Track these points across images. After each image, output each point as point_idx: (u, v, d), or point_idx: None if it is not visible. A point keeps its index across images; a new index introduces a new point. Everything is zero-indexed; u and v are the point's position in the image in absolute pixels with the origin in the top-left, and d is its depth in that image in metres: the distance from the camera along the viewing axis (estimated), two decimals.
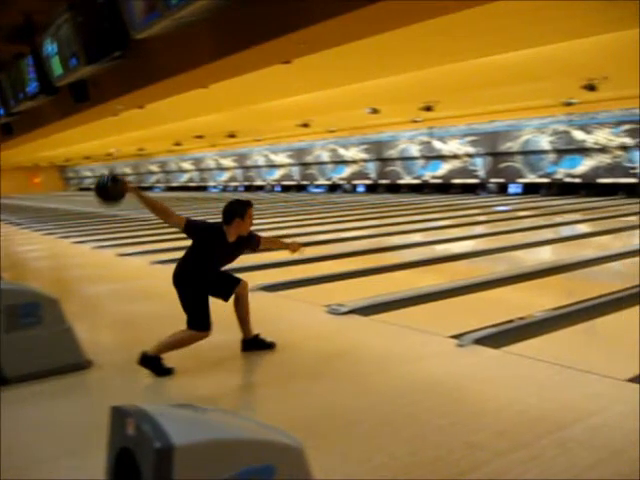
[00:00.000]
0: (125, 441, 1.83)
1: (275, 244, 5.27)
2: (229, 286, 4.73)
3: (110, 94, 12.43)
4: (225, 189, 38.56)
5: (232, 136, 25.69)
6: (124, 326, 6.01)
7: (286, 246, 5.10)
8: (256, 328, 4.87)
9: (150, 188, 44.50)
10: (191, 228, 4.54)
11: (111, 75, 11.58)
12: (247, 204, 4.59)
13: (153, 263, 9.06)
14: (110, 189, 4.41)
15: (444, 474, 2.81)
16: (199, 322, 4.45)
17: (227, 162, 37.90)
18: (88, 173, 51.31)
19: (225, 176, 38.65)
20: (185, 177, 42.16)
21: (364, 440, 3.24)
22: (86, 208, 24.48)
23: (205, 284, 4.52)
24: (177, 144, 30.49)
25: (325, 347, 4.88)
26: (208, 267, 4.57)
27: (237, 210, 4.54)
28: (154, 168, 44.25)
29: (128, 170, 46.50)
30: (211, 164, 39.22)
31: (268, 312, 5.35)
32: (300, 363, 4.69)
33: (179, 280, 4.51)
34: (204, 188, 40.05)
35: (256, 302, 5.11)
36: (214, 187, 39.47)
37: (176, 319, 4.53)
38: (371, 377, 4.19)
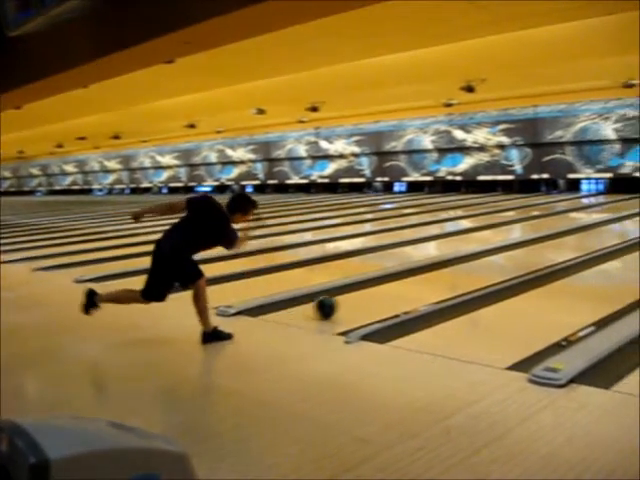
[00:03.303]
0: None
1: None
2: (193, 275, 4.83)
3: None
4: (111, 192, 37.55)
5: (116, 137, 25.11)
6: (6, 337, 5.72)
7: None
8: (139, 331, 4.74)
9: (31, 192, 42.72)
10: (193, 202, 4.80)
11: None
12: (253, 204, 4.85)
13: (36, 270, 8.69)
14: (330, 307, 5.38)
15: (333, 470, 2.84)
16: (155, 294, 4.70)
17: (112, 164, 36.93)
18: None
19: (110, 178, 37.64)
20: (68, 180, 40.76)
21: (254, 441, 3.23)
22: None
23: (185, 262, 4.73)
24: (59, 146, 29.50)
25: (213, 349, 4.83)
26: (200, 245, 4.82)
27: (242, 205, 4.82)
28: (35, 171, 42.53)
29: (7, 174, 44.47)
30: (95, 166, 38.10)
31: (152, 314, 5.24)
32: (185, 365, 4.62)
33: (167, 249, 4.69)
34: (89, 191, 38.87)
35: (139, 305, 5.00)
36: (99, 190, 38.36)
37: (62, 328, 4.37)
38: (260, 377, 4.18)
